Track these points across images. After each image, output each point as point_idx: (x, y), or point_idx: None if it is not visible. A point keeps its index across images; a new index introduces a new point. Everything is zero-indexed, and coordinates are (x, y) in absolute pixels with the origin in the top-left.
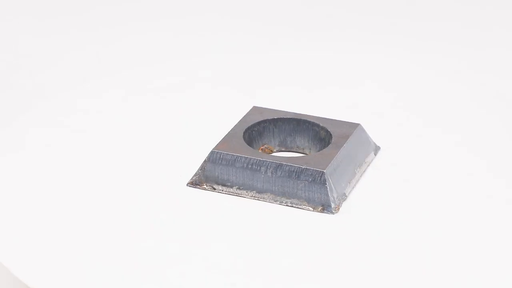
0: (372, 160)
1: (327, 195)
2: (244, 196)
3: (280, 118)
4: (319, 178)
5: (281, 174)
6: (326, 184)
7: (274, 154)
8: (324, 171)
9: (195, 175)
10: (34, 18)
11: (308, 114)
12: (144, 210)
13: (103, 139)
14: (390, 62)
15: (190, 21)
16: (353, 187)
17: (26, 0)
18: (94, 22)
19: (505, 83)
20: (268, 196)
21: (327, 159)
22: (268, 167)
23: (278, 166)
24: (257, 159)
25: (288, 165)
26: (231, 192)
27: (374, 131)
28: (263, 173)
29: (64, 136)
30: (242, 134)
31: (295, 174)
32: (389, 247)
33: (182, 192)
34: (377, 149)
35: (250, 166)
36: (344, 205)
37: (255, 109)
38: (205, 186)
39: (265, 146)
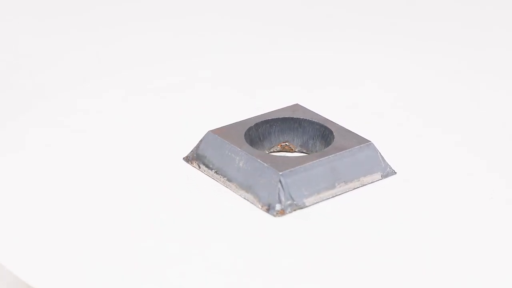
0: (374, 181)
1: (275, 196)
2: (217, 180)
3: (306, 120)
4: (274, 178)
5: (248, 167)
6: (277, 186)
7: (292, 154)
8: (280, 173)
9: (190, 151)
10: (34, 18)
11: (336, 121)
12: (142, 209)
13: (103, 139)
14: (390, 62)
15: (190, 21)
16: (324, 199)
17: (26, 0)
18: (94, 22)
19: (505, 83)
20: (234, 186)
21: (294, 164)
22: (241, 158)
23: (248, 159)
24: (236, 149)
25: (256, 161)
26: (209, 174)
27: (373, 131)
28: (236, 162)
29: (64, 136)
30: (253, 125)
31: (258, 171)
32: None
33: (177, 166)
34: (389, 173)
35: (229, 154)
36: (302, 212)
37: (295, 106)
38: (194, 164)
39: (285, 143)
